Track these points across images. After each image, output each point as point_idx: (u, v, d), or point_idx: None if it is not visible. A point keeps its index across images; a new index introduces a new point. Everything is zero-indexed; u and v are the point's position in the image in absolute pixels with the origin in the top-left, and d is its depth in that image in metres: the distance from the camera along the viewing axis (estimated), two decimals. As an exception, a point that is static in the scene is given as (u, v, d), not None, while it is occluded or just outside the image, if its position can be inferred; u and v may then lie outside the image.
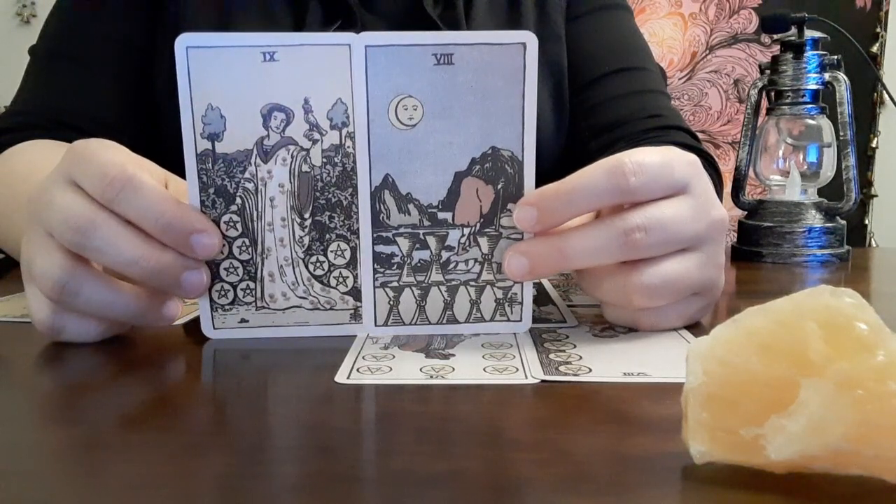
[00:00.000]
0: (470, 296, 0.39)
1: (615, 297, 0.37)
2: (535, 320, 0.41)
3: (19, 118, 0.68)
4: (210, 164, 0.37)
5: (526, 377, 0.32)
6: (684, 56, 1.30)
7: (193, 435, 0.27)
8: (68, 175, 0.36)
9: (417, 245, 0.38)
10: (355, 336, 0.38)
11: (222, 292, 0.38)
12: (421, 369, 0.33)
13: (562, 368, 0.33)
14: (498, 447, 0.25)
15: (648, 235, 0.35)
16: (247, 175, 0.37)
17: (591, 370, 0.32)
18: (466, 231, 0.38)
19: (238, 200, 0.37)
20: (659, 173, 0.35)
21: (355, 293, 0.39)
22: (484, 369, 0.33)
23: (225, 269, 0.38)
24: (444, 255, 0.38)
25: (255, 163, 0.37)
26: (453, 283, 0.38)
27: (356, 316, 0.39)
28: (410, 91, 0.37)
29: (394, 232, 0.38)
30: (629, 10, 0.81)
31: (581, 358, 0.34)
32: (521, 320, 0.39)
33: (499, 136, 0.37)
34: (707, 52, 1.29)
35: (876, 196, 1.32)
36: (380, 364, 0.34)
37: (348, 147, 0.37)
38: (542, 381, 0.31)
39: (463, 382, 0.31)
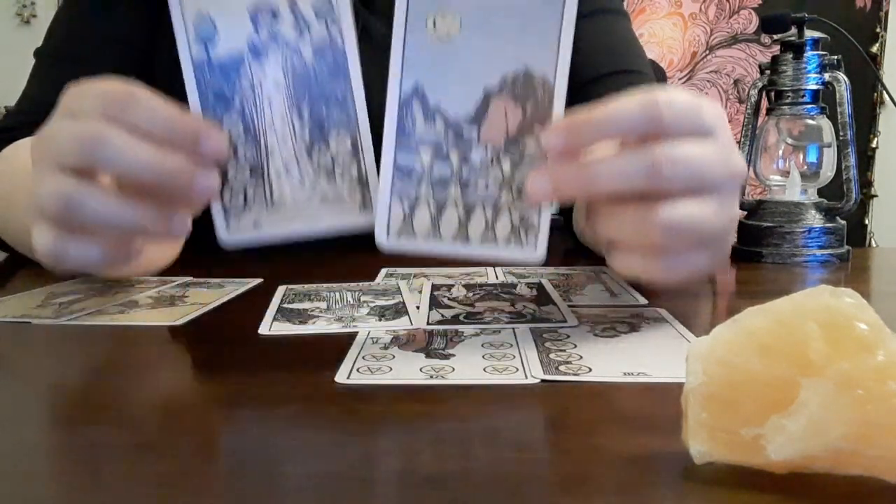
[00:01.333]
0: (486, 217, 0.37)
1: (631, 233, 0.36)
2: (535, 320, 0.41)
3: (21, 117, 0.69)
4: (207, 72, 0.38)
5: (526, 377, 0.32)
6: (684, 56, 1.30)
7: (193, 435, 0.27)
8: (69, 109, 0.37)
9: (439, 159, 0.37)
10: (355, 336, 0.38)
11: (233, 195, 0.38)
12: (421, 369, 0.33)
13: (562, 368, 0.33)
14: (498, 447, 0.25)
15: (675, 167, 0.34)
16: (242, 77, 0.38)
17: (591, 370, 0.32)
18: (490, 150, 0.37)
19: (237, 103, 0.38)
20: (690, 111, 0.35)
21: (362, 183, 0.39)
22: (484, 369, 0.33)
23: (232, 173, 0.38)
24: (465, 172, 0.37)
25: (248, 64, 0.38)
26: (471, 202, 0.37)
27: (365, 206, 0.39)
28: (451, 4, 0.36)
29: (417, 143, 0.37)
30: (627, 16, 0.82)
31: (581, 358, 0.34)
32: (535, 249, 0.37)
33: (533, 58, 0.36)
34: (707, 52, 1.29)
35: (876, 196, 1.32)
36: (380, 364, 0.34)
37: (337, 39, 0.38)
38: (542, 380, 0.31)
39: (463, 382, 0.31)
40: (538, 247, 0.37)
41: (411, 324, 0.41)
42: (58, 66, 0.73)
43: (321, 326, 0.41)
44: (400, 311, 0.43)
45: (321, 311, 0.44)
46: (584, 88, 0.72)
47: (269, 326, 0.41)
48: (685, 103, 0.35)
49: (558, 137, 0.35)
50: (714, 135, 0.36)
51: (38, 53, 0.75)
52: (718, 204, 0.37)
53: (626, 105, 0.35)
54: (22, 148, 0.64)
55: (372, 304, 0.45)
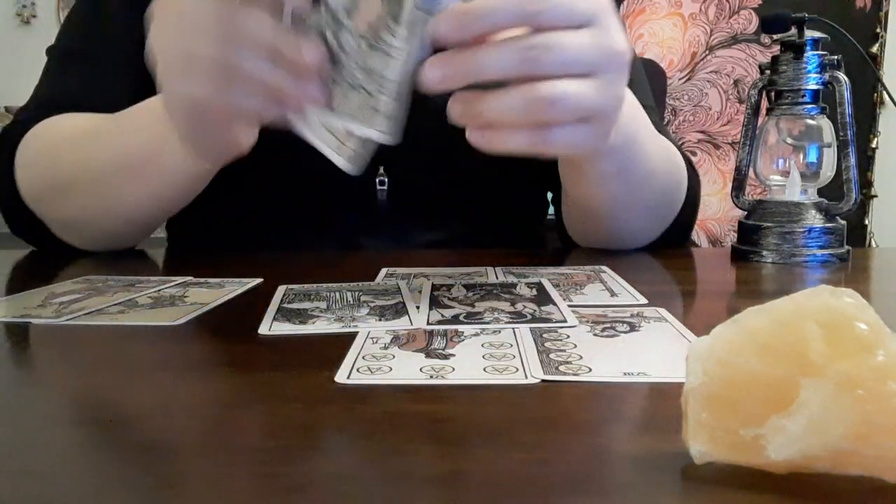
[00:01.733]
0: (347, 94, 0.42)
1: (516, 112, 0.40)
2: (534, 320, 0.41)
3: (38, 112, 0.71)
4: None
5: (526, 377, 0.32)
6: (684, 56, 1.30)
7: (194, 435, 0.27)
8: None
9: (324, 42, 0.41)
10: (355, 336, 0.38)
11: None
12: (421, 369, 0.33)
13: (562, 368, 0.33)
14: (498, 447, 0.25)
15: (549, 53, 0.39)
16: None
17: (591, 370, 0.32)
18: (356, 36, 0.41)
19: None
20: (566, 3, 0.39)
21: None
22: (484, 369, 0.33)
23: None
24: (339, 54, 0.41)
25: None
26: (339, 79, 0.42)
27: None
28: None
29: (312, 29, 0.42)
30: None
31: (581, 358, 0.34)
32: (380, 129, 0.41)
33: None
34: (707, 52, 1.29)
35: (876, 196, 1.32)
36: (380, 364, 0.34)
37: None
38: (542, 381, 0.31)
39: (463, 382, 0.31)
40: (381, 126, 0.40)
41: (411, 324, 0.41)
42: (72, 63, 0.74)
43: (321, 326, 0.41)
44: (400, 311, 0.43)
45: (321, 310, 0.44)
46: None
47: (269, 326, 0.41)
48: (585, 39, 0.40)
49: (444, 25, 0.38)
50: (593, 23, 0.40)
51: (49, 51, 0.76)
52: (599, 83, 0.41)
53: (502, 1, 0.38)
54: (59, 123, 0.67)
55: (372, 304, 0.45)
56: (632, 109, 0.54)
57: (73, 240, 0.68)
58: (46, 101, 0.72)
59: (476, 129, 0.41)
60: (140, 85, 0.71)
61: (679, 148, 0.73)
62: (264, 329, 0.40)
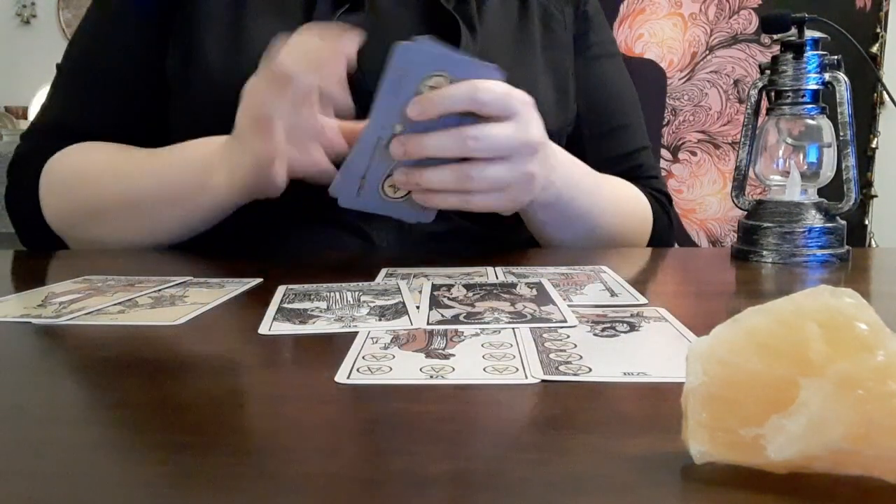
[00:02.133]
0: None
1: (447, 182, 0.55)
2: (534, 320, 0.41)
3: (44, 137, 0.77)
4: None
5: (526, 377, 0.32)
6: (684, 56, 1.30)
7: (194, 435, 0.27)
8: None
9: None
10: (355, 336, 0.38)
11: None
12: (421, 369, 0.33)
13: (562, 368, 0.33)
14: (498, 447, 0.25)
15: (478, 142, 0.54)
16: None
17: (591, 370, 0.32)
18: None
19: None
20: (500, 99, 0.54)
21: None
22: (484, 369, 0.33)
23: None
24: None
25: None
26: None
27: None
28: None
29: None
30: (621, 57, 0.93)
31: (581, 358, 0.34)
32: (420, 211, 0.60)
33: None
34: (707, 52, 1.29)
35: (876, 196, 1.32)
36: (380, 364, 0.34)
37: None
38: (542, 381, 0.31)
39: (463, 382, 0.31)
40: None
41: (411, 324, 0.41)
42: (80, 85, 0.78)
43: (321, 326, 0.41)
44: (400, 311, 0.44)
45: (321, 310, 0.44)
46: (598, 140, 0.86)
47: (269, 326, 0.41)
48: (498, 93, 0.54)
49: (413, 109, 0.53)
50: (516, 118, 0.55)
51: (60, 67, 0.80)
52: (512, 164, 0.56)
53: (458, 89, 0.53)
54: (88, 152, 0.74)
55: (372, 304, 0.45)
56: (572, 172, 0.68)
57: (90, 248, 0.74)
58: (58, 126, 0.77)
59: (417, 192, 0.57)
60: (138, 101, 0.76)
61: (657, 184, 0.88)
62: (264, 329, 0.40)
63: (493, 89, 0.53)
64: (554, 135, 0.78)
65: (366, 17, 0.73)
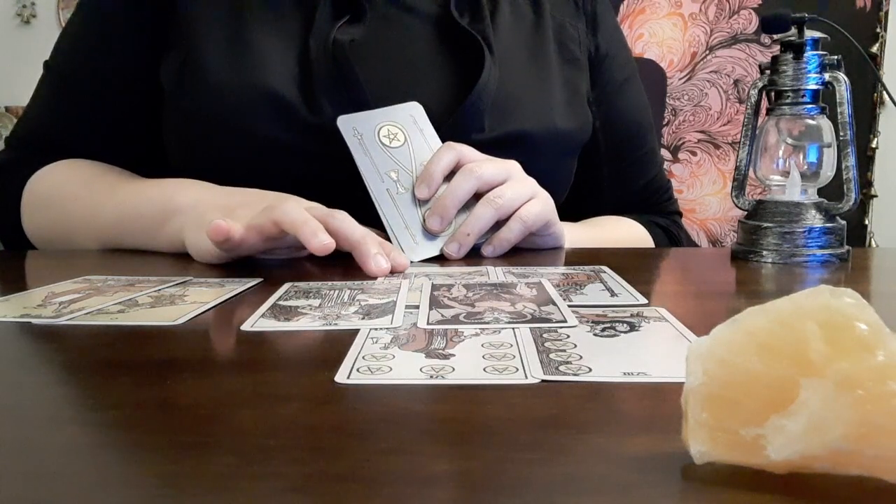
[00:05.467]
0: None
1: (484, 222, 0.64)
2: (534, 320, 0.41)
3: (28, 150, 0.79)
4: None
5: (526, 377, 0.32)
6: (684, 56, 1.30)
7: (194, 435, 0.27)
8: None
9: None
10: (355, 335, 0.38)
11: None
12: (421, 369, 0.33)
13: (562, 368, 0.33)
14: (498, 447, 0.25)
15: (502, 199, 0.64)
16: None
17: (591, 370, 0.32)
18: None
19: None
20: (498, 170, 0.65)
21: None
22: (484, 369, 0.33)
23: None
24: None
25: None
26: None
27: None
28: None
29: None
30: (636, 69, 0.94)
31: (581, 358, 0.34)
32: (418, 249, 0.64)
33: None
34: (707, 52, 1.29)
35: (876, 196, 1.32)
36: (380, 364, 0.34)
37: None
38: (542, 381, 0.31)
39: (463, 382, 0.31)
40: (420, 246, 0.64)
41: (391, 323, 0.41)
42: (65, 91, 0.78)
43: (304, 324, 0.41)
44: (387, 310, 0.43)
45: (312, 308, 0.44)
46: (618, 176, 0.90)
47: (253, 323, 0.41)
48: (497, 169, 0.66)
49: (422, 190, 0.65)
50: (512, 178, 0.66)
51: (46, 67, 0.79)
52: (519, 220, 0.66)
53: (464, 184, 0.64)
54: (50, 177, 0.76)
55: (363, 303, 0.45)
56: (572, 227, 0.79)
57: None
58: (44, 140, 0.79)
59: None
60: (125, 114, 0.77)
61: (670, 205, 0.95)
62: (247, 326, 0.40)
63: (492, 167, 0.65)
64: (568, 135, 0.80)
65: (366, 28, 0.73)
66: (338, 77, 0.70)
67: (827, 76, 0.66)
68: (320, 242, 0.53)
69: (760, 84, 0.69)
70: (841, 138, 0.65)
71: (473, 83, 0.72)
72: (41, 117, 0.79)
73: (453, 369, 0.33)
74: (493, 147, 0.70)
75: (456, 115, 0.71)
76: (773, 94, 0.68)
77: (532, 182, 0.67)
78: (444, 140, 0.68)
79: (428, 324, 0.41)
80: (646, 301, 0.46)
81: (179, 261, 0.65)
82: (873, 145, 1.29)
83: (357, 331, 0.39)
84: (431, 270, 0.57)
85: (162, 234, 0.66)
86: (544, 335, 0.38)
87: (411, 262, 0.61)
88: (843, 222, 0.65)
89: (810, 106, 0.66)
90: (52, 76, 0.79)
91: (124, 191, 0.71)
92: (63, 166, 0.76)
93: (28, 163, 0.77)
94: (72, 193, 0.74)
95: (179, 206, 0.64)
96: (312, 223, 0.54)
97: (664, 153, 1.31)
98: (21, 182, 0.76)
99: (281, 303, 0.46)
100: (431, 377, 0.32)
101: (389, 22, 0.75)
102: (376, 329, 0.40)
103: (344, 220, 0.57)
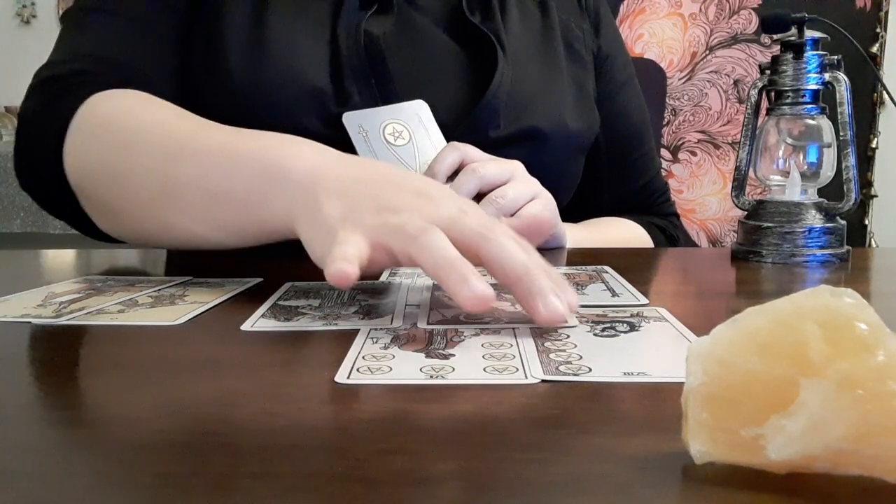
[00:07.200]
0: None
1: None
2: (535, 320, 0.41)
3: (74, 65, 0.66)
4: None
5: (526, 377, 0.32)
6: (684, 56, 1.30)
7: (193, 434, 0.27)
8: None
9: None
10: (355, 335, 0.38)
11: None
12: (421, 369, 0.33)
13: (562, 368, 0.33)
14: (498, 447, 0.25)
15: (504, 199, 0.62)
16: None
17: (591, 370, 0.32)
18: None
19: None
20: (501, 170, 0.64)
21: None
22: (484, 369, 0.33)
23: None
24: None
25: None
26: None
27: None
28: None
29: None
30: (633, 70, 0.94)
31: (581, 358, 0.34)
32: None
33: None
34: (707, 52, 1.29)
35: (876, 196, 1.32)
36: (380, 364, 0.34)
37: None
38: (542, 381, 0.31)
39: (463, 382, 0.31)
40: None
41: (391, 323, 0.41)
42: (101, 18, 0.70)
43: (304, 324, 0.41)
44: (387, 310, 0.43)
45: (312, 308, 0.44)
46: (617, 176, 0.91)
47: (254, 323, 0.41)
48: (501, 170, 0.64)
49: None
50: (515, 178, 0.64)
51: (67, 14, 0.72)
52: (540, 201, 0.65)
53: (467, 183, 0.63)
54: (113, 103, 0.62)
55: (363, 303, 0.45)
56: (572, 228, 0.78)
57: (103, 223, 0.64)
58: (86, 54, 0.67)
59: None
60: (165, 41, 0.70)
61: (667, 207, 0.95)
62: (247, 326, 0.40)
63: (495, 167, 0.64)
64: (578, 133, 0.80)
65: (395, 20, 0.73)
66: (369, 69, 0.70)
67: (827, 76, 0.66)
68: (474, 295, 0.37)
69: (760, 84, 0.69)
70: (841, 138, 0.65)
71: (486, 81, 0.72)
72: (71, 40, 0.69)
73: (453, 369, 0.33)
74: (508, 143, 0.71)
75: (475, 111, 0.71)
76: (773, 94, 0.68)
77: (535, 182, 0.66)
78: (461, 137, 0.67)
79: (428, 324, 0.41)
80: (646, 301, 0.46)
81: (179, 260, 0.65)
82: (873, 145, 1.29)
83: (357, 331, 0.39)
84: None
85: (265, 210, 0.49)
86: (544, 335, 0.38)
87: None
88: (843, 222, 0.65)
89: (810, 106, 0.66)
90: (83, 12, 0.70)
91: (207, 135, 0.55)
92: (131, 94, 0.63)
93: (82, 83, 0.63)
94: (143, 124, 0.58)
95: (289, 172, 0.47)
96: (460, 266, 0.39)
97: (664, 153, 1.31)
98: (73, 103, 0.61)
99: (281, 303, 0.46)
100: (431, 377, 0.32)
101: (405, 17, 0.75)
102: (376, 329, 0.40)
103: (504, 244, 0.41)
